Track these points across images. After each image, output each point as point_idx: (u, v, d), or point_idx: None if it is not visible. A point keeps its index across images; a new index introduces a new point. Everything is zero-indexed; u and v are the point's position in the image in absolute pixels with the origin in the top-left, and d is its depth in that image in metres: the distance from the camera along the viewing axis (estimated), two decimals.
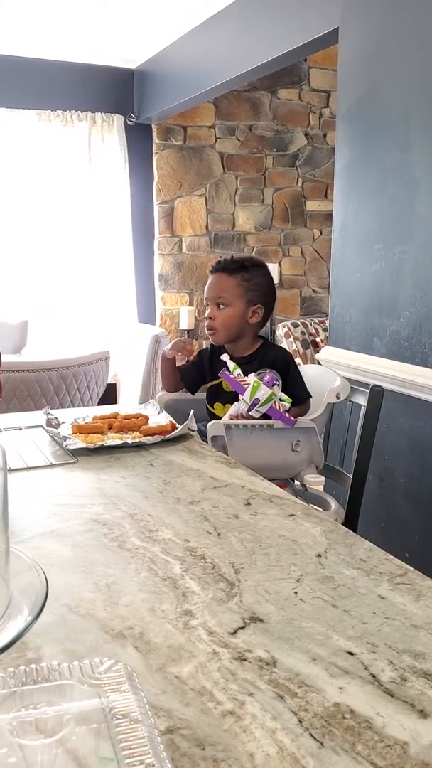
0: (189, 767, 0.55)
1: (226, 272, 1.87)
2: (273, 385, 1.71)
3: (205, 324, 1.90)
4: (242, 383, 1.72)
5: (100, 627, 0.75)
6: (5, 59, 4.19)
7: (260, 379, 1.71)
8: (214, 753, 0.56)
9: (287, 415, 1.71)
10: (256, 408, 1.70)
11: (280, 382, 1.75)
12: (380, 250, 2.31)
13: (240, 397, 1.73)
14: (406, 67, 2.16)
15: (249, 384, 1.70)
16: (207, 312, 1.90)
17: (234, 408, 1.76)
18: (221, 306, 1.86)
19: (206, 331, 1.91)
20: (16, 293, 4.47)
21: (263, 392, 1.68)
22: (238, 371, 1.75)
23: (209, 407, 1.93)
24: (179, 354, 1.91)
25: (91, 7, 3.40)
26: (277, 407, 1.70)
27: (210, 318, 1.87)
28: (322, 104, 5.08)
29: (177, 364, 1.97)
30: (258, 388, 1.69)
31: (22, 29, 3.75)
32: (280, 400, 1.72)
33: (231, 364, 1.76)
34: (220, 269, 1.88)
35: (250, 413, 1.71)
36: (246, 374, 1.75)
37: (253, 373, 1.74)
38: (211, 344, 1.95)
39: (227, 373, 1.76)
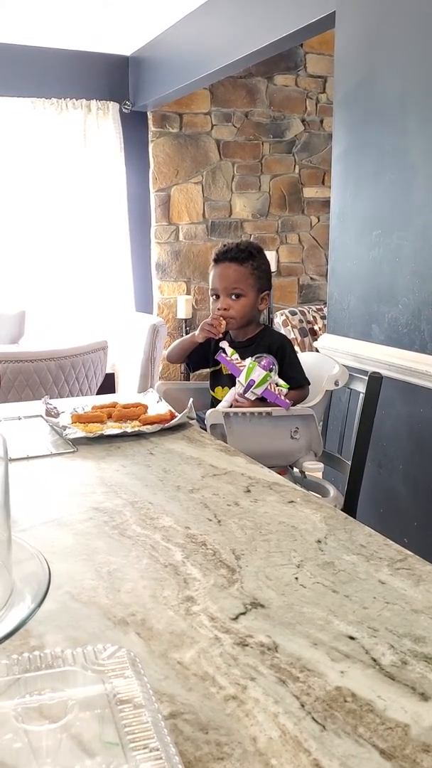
0: (192, 751, 0.55)
1: (236, 262, 1.85)
2: (270, 370, 1.73)
3: (218, 314, 1.86)
4: (239, 365, 1.74)
5: (103, 614, 0.76)
6: None
7: (257, 363, 1.73)
8: (217, 737, 0.57)
9: (283, 398, 1.73)
10: (251, 390, 1.71)
11: (277, 368, 1.77)
12: (378, 237, 2.31)
13: (237, 380, 1.75)
14: (404, 52, 2.14)
15: (245, 366, 1.72)
16: (219, 302, 1.87)
17: (231, 393, 1.78)
18: (235, 296, 1.85)
19: (221, 321, 1.86)
20: (14, 284, 4.46)
21: (258, 373, 1.71)
22: (236, 356, 1.78)
23: (211, 392, 1.95)
24: (210, 333, 1.86)
25: None
26: (273, 390, 1.72)
27: (224, 308, 1.85)
28: (319, 90, 5.05)
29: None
30: (253, 369, 1.71)
31: (16, 17, 3.71)
32: (277, 385, 1.74)
33: (229, 350, 1.78)
34: (230, 259, 1.86)
35: (245, 395, 1.73)
36: (244, 358, 1.77)
37: (250, 357, 1.76)
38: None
39: (224, 355, 1.79)
